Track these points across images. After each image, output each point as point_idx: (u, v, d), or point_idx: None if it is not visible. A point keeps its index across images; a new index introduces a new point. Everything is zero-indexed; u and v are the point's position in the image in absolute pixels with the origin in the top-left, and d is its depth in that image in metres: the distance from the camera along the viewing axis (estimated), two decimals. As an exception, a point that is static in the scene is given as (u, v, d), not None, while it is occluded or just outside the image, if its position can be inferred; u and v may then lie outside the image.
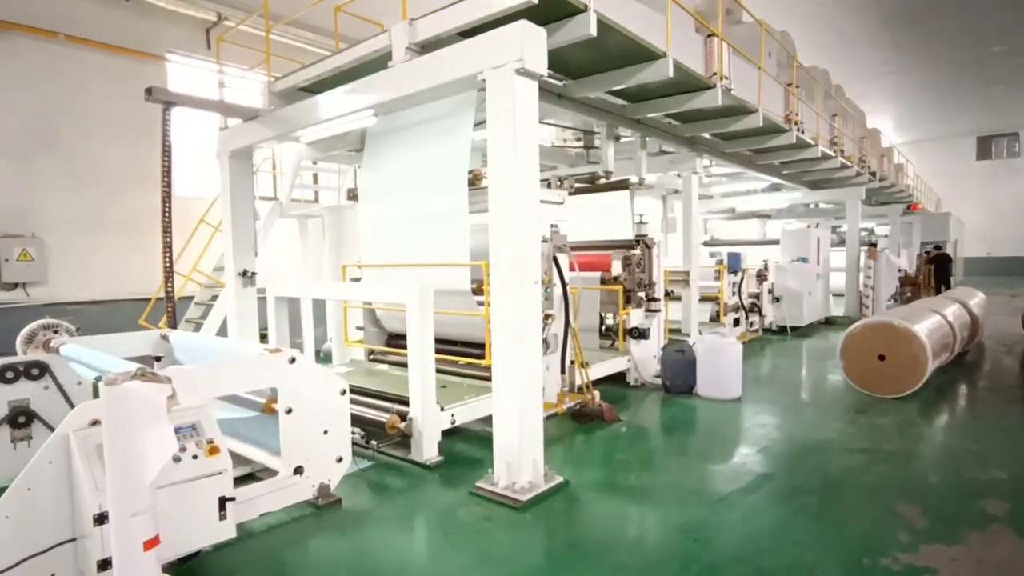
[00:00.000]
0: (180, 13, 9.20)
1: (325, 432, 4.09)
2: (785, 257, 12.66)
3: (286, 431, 3.90)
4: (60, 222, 8.21)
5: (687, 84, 6.48)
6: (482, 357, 6.24)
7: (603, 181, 7.53)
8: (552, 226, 6.13)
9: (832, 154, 11.15)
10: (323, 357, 8.96)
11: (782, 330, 12.11)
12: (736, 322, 10.55)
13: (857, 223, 14.01)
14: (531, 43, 3.91)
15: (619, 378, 7.51)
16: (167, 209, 5.82)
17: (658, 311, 7.70)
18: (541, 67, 4.00)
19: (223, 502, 3.13)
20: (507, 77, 3.92)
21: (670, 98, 6.84)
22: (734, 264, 10.23)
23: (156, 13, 9.04)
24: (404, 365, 6.30)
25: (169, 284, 5.87)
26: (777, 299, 12.08)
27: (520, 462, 4.09)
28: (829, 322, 13.60)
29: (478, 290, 5.61)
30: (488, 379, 4.80)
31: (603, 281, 7.52)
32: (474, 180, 5.69)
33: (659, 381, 7.29)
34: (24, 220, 7.90)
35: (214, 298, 8.14)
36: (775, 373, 8.47)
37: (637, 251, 7.62)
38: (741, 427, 5.82)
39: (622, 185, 7.81)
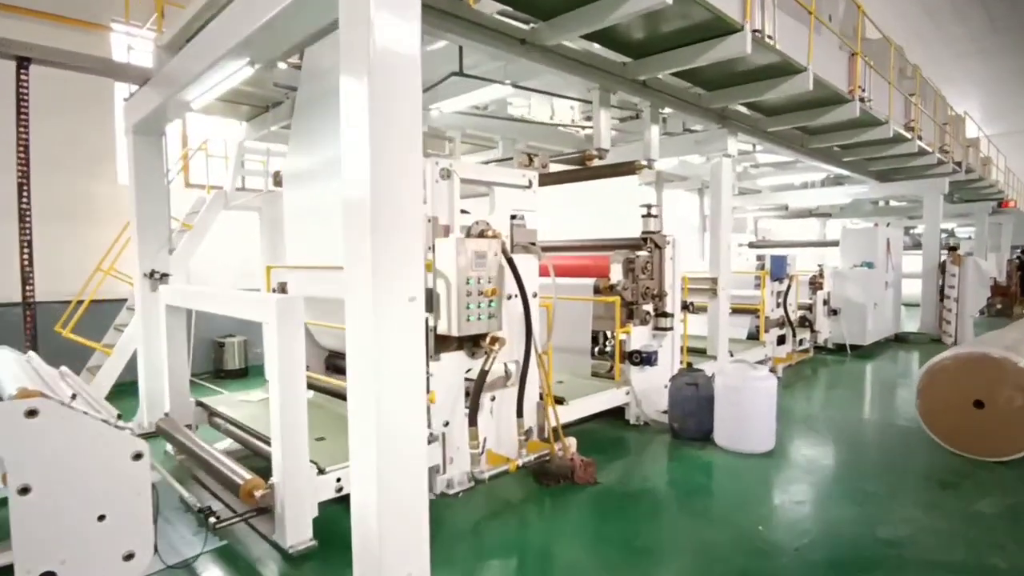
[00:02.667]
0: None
1: (101, 518, 2.72)
2: (846, 261, 10.57)
3: (21, 520, 2.55)
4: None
5: (706, 28, 4.81)
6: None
7: (597, 162, 5.89)
8: (513, 217, 4.60)
9: (907, 135, 9.08)
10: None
11: (840, 349, 10.07)
12: (781, 340, 8.66)
13: (938, 221, 11.70)
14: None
15: (618, 413, 5.88)
16: (25, 194, 4.63)
17: (670, 329, 6.02)
18: (419, -45, 2.51)
19: None
20: (360, -31, 2.44)
21: (684, 49, 5.17)
22: (778, 269, 8.36)
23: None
24: (337, 395, 4.93)
25: (28, 288, 4.69)
26: (834, 312, 10.05)
27: (381, 581, 2.59)
28: (900, 340, 11.40)
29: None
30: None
31: (597, 290, 5.90)
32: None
33: (667, 420, 5.62)
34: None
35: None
36: (825, 412, 6.59)
37: (644, 252, 5.97)
38: (765, 506, 4.11)
39: (626, 169, 6.18)
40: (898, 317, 11.47)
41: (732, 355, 7.45)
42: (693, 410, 5.32)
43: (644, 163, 6.13)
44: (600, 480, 4.41)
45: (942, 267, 11.50)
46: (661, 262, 6.06)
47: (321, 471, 3.53)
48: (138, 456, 2.83)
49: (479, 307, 4.01)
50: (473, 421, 4.07)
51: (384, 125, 2.50)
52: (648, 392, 5.86)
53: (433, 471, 4.11)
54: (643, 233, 6.04)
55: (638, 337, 5.82)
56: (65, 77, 5.56)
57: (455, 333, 3.91)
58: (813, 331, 9.60)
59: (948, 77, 19.28)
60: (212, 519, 3.35)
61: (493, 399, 4.48)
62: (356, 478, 2.70)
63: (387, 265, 2.56)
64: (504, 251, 4.25)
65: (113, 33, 7.92)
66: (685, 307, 6.54)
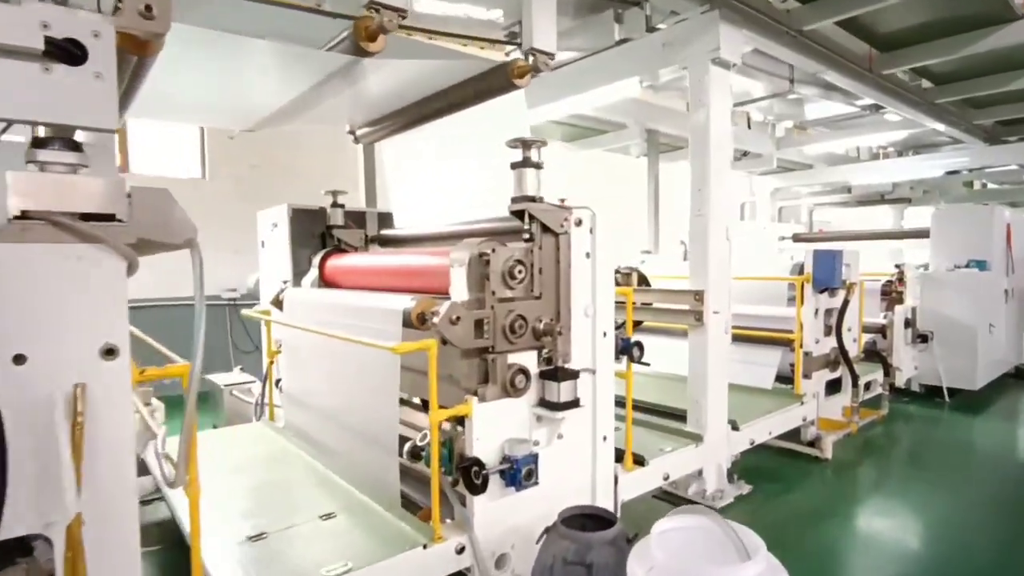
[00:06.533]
0: None
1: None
2: (940, 259, 6.97)
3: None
4: None
5: None
6: None
7: (375, 44, 2.68)
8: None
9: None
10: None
11: (932, 393, 6.54)
12: (832, 387, 5.27)
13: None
14: None
15: (468, 577, 2.77)
16: None
17: (574, 406, 2.83)
18: None
19: None
20: None
21: None
22: (826, 274, 4.96)
23: None
24: None
25: None
26: (923, 338, 6.51)
27: None
28: (1023, 375, 7.68)
29: None
30: None
31: (407, 323, 2.79)
32: None
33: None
34: None
35: None
36: (914, 564, 3.23)
37: (521, 243, 2.83)
38: None
39: (501, 81, 3.00)
40: (1020, 342, 7.72)
41: (737, 428, 4.17)
42: (582, 628, 2.16)
43: (526, 62, 2.98)
44: None
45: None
46: (558, 262, 2.90)
47: None
48: None
49: None
50: None
51: None
52: (520, 542, 2.72)
53: None
54: (514, 203, 2.87)
55: (495, 424, 2.69)
56: None
57: None
58: (888, 368, 6.11)
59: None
60: None
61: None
62: None
63: None
64: None
65: None
66: (626, 352, 3.33)
